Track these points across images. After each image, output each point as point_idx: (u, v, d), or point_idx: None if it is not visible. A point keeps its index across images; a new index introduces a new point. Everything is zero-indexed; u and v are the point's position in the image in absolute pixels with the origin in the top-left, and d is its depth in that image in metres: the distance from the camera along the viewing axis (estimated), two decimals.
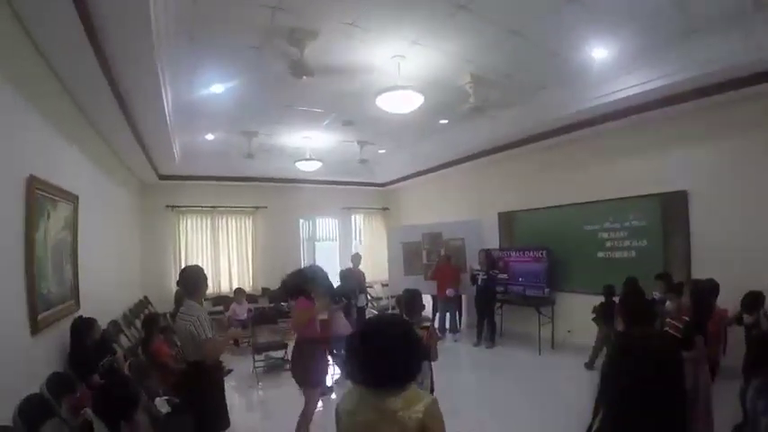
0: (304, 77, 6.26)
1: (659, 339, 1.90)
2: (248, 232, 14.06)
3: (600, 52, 6.82)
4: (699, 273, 7.32)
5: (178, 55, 6.05)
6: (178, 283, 4.75)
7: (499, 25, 5.98)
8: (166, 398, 5.14)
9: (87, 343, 5.32)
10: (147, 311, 9.80)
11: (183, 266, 5.38)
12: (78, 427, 3.67)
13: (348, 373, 2.39)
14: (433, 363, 4.76)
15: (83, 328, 5.36)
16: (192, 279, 4.57)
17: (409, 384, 2.17)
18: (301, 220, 15.23)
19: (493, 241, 11.56)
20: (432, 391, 4.54)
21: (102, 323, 6.25)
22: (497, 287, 10.56)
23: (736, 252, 7.12)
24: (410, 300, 4.95)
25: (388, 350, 2.13)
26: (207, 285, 4.82)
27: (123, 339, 7.36)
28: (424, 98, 7.02)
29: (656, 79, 7.04)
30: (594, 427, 1.88)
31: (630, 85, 7.34)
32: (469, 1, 5.36)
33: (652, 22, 6.02)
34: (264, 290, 13.47)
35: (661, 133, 8.21)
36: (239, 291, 11.56)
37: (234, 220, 13.87)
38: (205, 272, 4.76)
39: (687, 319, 4.86)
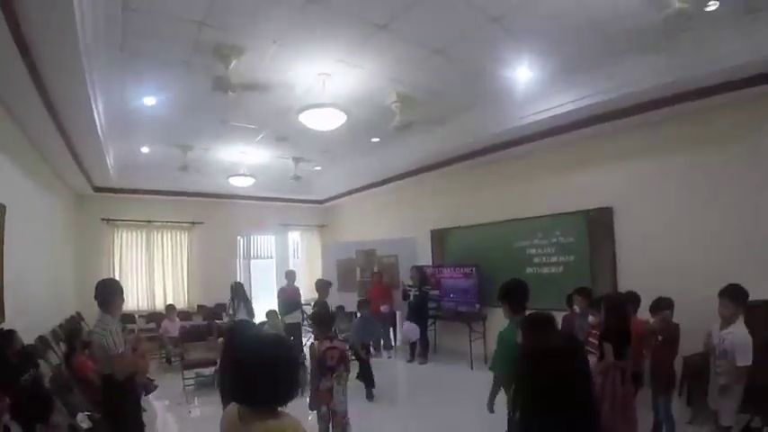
0: (229, 93, 6.14)
1: (555, 350, 1.88)
2: (184, 248, 13.59)
3: (525, 72, 6.88)
4: (624, 286, 7.39)
5: (109, 65, 5.89)
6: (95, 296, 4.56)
7: (421, 45, 6.01)
8: (88, 413, 5.07)
9: (7, 354, 5.07)
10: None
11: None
12: None
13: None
14: None
15: (1, 339, 5.19)
16: (105, 292, 4.50)
17: (278, 407, 2.03)
18: (238, 237, 14.84)
19: (426, 258, 11.51)
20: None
21: (30, 338, 6.20)
22: (430, 303, 10.48)
23: (659, 265, 7.24)
24: (316, 315, 4.95)
25: (255, 370, 1.98)
26: (122, 299, 4.75)
27: (52, 355, 7.06)
28: (352, 116, 7.04)
29: (581, 99, 7.14)
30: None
31: (555, 105, 7.44)
32: (390, 21, 5.38)
33: (574, 43, 6.10)
34: (200, 307, 13.05)
35: (586, 151, 8.33)
36: (170, 307, 11.31)
37: (169, 236, 13.40)
38: (121, 286, 4.73)
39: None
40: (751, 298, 5.82)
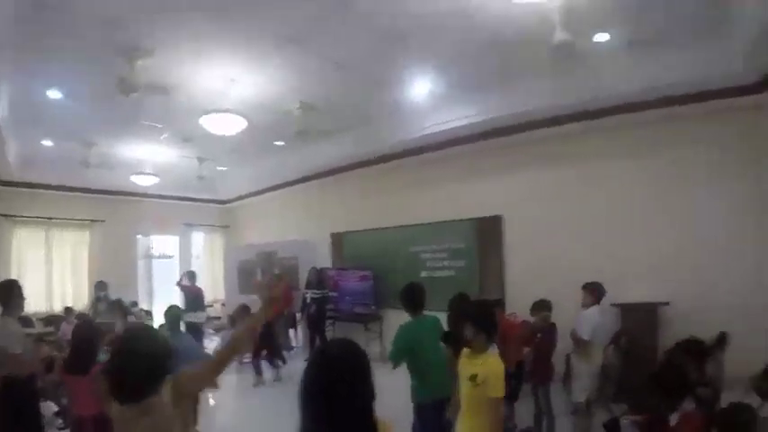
0: (132, 95, 5.97)
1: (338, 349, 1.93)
2: (85, 247, 12.78)
3: (424, 87, 7.13)
4: (512, 290, 7.91)
5: (12, 55, 5.63)
6: None
7: (325, 58, 6.16)
8: None
9: None
10: None
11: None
12: None
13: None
14: None
15: None
16: (6, 293, 4.44)
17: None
18: (139, 236, 14.15)
19: (326, 260, 11.53)
20: None
21: None
22: (328, 305, 10.52)
23: (543, 269, 7.71)
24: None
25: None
26: (22, 299, 4.65)
27: None
28: (256, 119, 7.05)
29: (476, 115, 7.57)
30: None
31: (452, 119, 7.79)
32: (297, 34, 5.49)
33: (472, 63, 6.41)
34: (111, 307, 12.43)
35: (479, 163, 8.71)
36: (68, 310, 10.52)
37: (70, 234, 12.57)
38: (20, 286, 4.62)
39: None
40: (626, 300, 6.45)
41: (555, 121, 7.29)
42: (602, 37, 5.73)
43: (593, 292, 5.56)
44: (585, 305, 5.51)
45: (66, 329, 9.95)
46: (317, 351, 1.99)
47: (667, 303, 6.59)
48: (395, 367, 4.32)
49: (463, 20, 5.28)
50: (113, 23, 5.14)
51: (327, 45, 5.85)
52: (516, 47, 5.88)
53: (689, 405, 2.98)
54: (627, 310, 6.73)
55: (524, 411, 5.69)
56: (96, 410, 4.98)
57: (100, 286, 9.96)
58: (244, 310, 8.70)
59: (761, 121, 6.31)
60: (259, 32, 5.48)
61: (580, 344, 5.36)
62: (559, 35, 4.79)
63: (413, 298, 4.56)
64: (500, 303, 6.15)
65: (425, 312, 4.60)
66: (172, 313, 5.97)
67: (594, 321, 5.42)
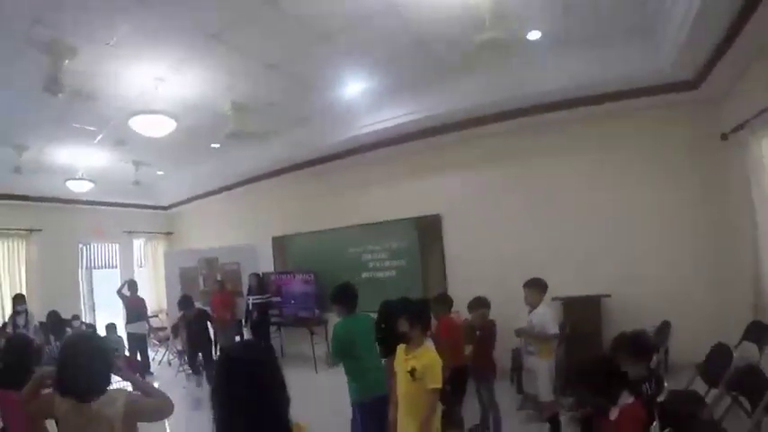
0: (59, 95, 5.67)
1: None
2: (21, 258, 11.98)
3: (357, 87, 7.06)
4: (454, 287, 7.89)
5: None
6: None
7: (253, 57, 6.05)
8: None
9: None
10: None
11: None
12: None
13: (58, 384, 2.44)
14: None
15: None
16: None
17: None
18: (80, 245, 13.47)
19: (268, 265, 11.39)
20: None
21: None
22: (272, 311, 10.40)
23: (482, 266, 7.80)
24: None
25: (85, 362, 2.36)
26: None
27: None
28: (189, 121, 6.87)
29: (410, 114, 7.53)
30: None
31: (387, 119, 7.74)
32: (221, 32, 5.34)
33: (402, 62, 6.37)
34: (41, 323, 11.86)
35: (416, 162, 8.70)
36: (5, 325, 10.04)
37: (5, 244, 11.75)
38: None
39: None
40: (567, 294, 6.51)
41: (489, 118, 7.30)
42: (534, 35, 5.78)
43: (541, 288, 5.48)
44: (533, 303, 5.40)
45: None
46: (222, 355, 1.91)
47: (609, 296, 6.71)
48: (330, 367, 4.63)
49: (392, 18, 5.22)
50: (35, 19, 4.87)
51: (255, 44, 5.72)
52: (447, 45, 5.88)
53: (628, 398, 2.94)
54: (569, 304, 6.80)
55: (470, 410, 5.62)
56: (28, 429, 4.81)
57: (18, 299, 9.48)
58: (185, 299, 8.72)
59: (694, 116, 6.54)
60: (183, 29, 5.27)
61: (545, 340, 5.22)
62: (487, 33, 4.77)
63: (344, 298, 4.59)
64: (447, 300, 5.99)
65: (365, 312, 4.68)
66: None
67: (554, 316, 5.46)
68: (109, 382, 2.46)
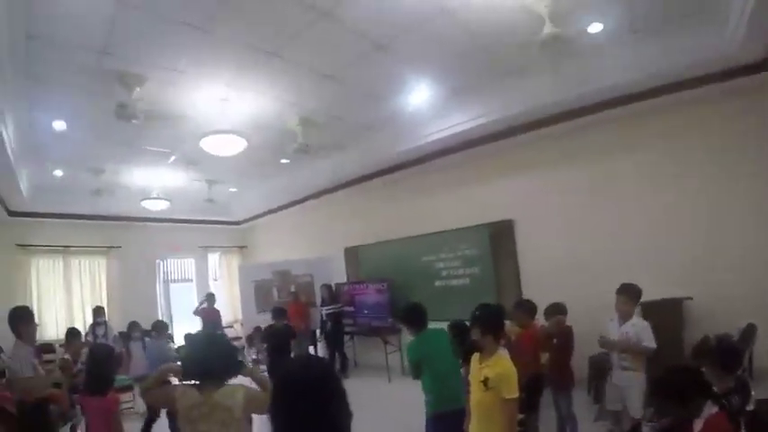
0: (132, 121, 6.02)
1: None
2: (102, 273, 12.81)
3: (420, 94, 7.03)
4: (528, 295, 7.56)
5: (16, 91, 5.78)
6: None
7: (312, 71, 6.15)
8: None
9: None
10: None
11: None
12: None
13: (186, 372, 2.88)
14: None
15: None
16: (17, 320, 4.61)
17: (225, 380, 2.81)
18: (157, 261, 14.11)
19: (341, 275, 11.47)
20: None
21: None
22: (345, 320, 10.46)
23: (558, 271, 7.50)
24: None
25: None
26: (33, 326, 4.82)
27: None
28: (257, 138, 7.08)
29: (475, 119, 7.42)
30: None
31: (452, 125, 7.66)
32: (280, 48, 5.48)
33: (463, 66, 6.31)
34: (121, 333, 12.40)
35: (485, 167, 8.56)
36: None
37: (87, 261, 12.61)
38: (32, 313, 4.87)
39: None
40: (646, 298, 6.19)
41: (555, 118, 7.07)
42: (595, 27, 5.52)
43: (635, 295, 5.01)
44: (626, 312, 4.95)
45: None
46: (282, 371, 1.91)
47: (690, 298, 6.32)
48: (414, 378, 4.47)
49: (448, 23, 5.18)
50: (103, 52, 5.20)
51: (315, 57, 5.83)
52: (506, 44, 5.74)
53: (712, 409, 2.76)
54: (648, 307, 6.39)
55: (546, 420, 5.43)
56: None
57: (98, 312, 9.96)
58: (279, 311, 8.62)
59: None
60: (243, 50, 5.47)
61: (643, 354, 4.74)
62: (547, 30, 4.66)
63: (413, 318, 4.61)
64: (530, 308, 5.59)
65: (442, 324, 4.64)
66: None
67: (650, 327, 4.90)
68: (237, 369, 2.90)
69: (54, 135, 7.45)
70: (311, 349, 11.15)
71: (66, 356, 8.77)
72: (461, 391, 4.02)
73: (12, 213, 10.68)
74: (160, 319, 13.00)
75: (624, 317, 4.95)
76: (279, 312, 8.35)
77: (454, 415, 3.98)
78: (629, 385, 4.80)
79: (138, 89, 5.89)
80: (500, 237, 8.46)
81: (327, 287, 10.55)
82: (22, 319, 4.64)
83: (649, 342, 4.69)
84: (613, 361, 5.05)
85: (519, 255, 8.30)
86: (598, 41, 5.79)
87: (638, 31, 5.68)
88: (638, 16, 5.43)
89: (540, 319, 5.76)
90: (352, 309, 10.61)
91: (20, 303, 10.51)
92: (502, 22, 5.20)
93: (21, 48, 4.94)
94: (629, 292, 4.97)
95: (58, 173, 9.69)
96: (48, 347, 10.31)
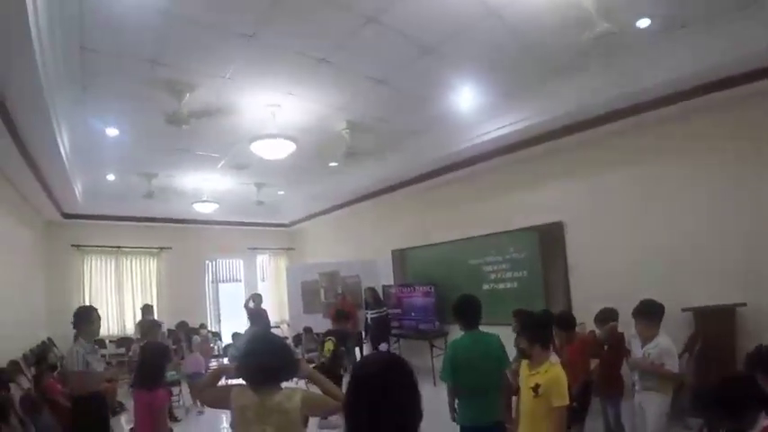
0: (183, 126, 6.33)
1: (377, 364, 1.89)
2: (153, 273, 13.36)
3: (468, 97, 6.99)
4: (577, 298, 7.59)
5: (71, 100, 6.10)
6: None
7: (362, 76, 6.24)
8: None
9: None
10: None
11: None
12: None
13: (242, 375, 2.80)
14: None
15: None
16: (78, 318, 4.85)
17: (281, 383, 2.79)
18: (207, 261, 14.64)
19: (388, 278, 11.51)
20: None
21: (2, 362, 6.62)
22: (391, 323, 10.47)
23: (609, 276, 7.29)
24: None
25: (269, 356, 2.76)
26: (96, 324, 5.04)
27: (24, 379, 7.06)
28: (306, 142, 7.25)
29: (522, 120, 7.29)
30: None
31: (500, 126, 7.55)
32: (328, 54, 5.59)
33: (510, 67, 6.25)
34: (170, 331, 12.75)
35: (535, 169, 8.42)
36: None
37: (138, 261, 13.17)
38: (98, 311, 5.06)
39: None
40: (698, 304, 6.00)
41: (606, 118, 6.84)
42: (644, 22, 5.28)
43: (656, 316, 4.66)
44: (646, 337, 4.66)
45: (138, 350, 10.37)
46: (358, 365, 1.92)
47: (744, 304, 5.96)
48: (448, 385, 4.21)
49: (494, 24, 5.13)
50: (154, 61, 5.42)
51: (362, 63, 5.91)
52: (555, 45, 5.64)
53: (766, 420, 2.66)
54: (700, 314, 6.18)
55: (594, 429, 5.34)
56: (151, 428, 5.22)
57: (146, 310, 10.29)
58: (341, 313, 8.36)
59: None
60: (292, 57, 5.58)
61: (666, 378, 4.52)
62: (595, 27, 4.58)
63: (464, 311, 4.25)
64: (570, 323, 5.44)
65: (488, 329, 4.30)
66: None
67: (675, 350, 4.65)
68: (294, 370, 2.90)
69: (107, 141, 7.77)
70: (356, 351, 11.22)
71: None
72: (491, 407, 3.96)
73: (66, 216, 11.24)
74: (208, 318, 13.54)
75: (646, 339, 4.69)
76: (341, 314, 8.04)
77: (478, 429, 3.94)
78: (648, 406, 4.57)
79: (187, 96, 6.10)
80: (549, 240, 8.31)
81: (372, 290, 10.54)
82: (80, 317, 4.87)
83: (672, 366, 4.47)
84: (636, 381, 4.79)
85: (568, 258, 8.11)
86: (647, 37, 5.60)
87: (687, 23, 5.43)
88: (686, 7, 5.18)
89: (589, 323, 5.70)
90: (398, 311, 10.64)
91: (74, 301, 11.18)
92: (549, 21, 5.11)
93: (75, 59, 5.20)
94: (648, 316, 4.66)
95: (111, 177, 10.14)
96: (100, 343, 10.77)
